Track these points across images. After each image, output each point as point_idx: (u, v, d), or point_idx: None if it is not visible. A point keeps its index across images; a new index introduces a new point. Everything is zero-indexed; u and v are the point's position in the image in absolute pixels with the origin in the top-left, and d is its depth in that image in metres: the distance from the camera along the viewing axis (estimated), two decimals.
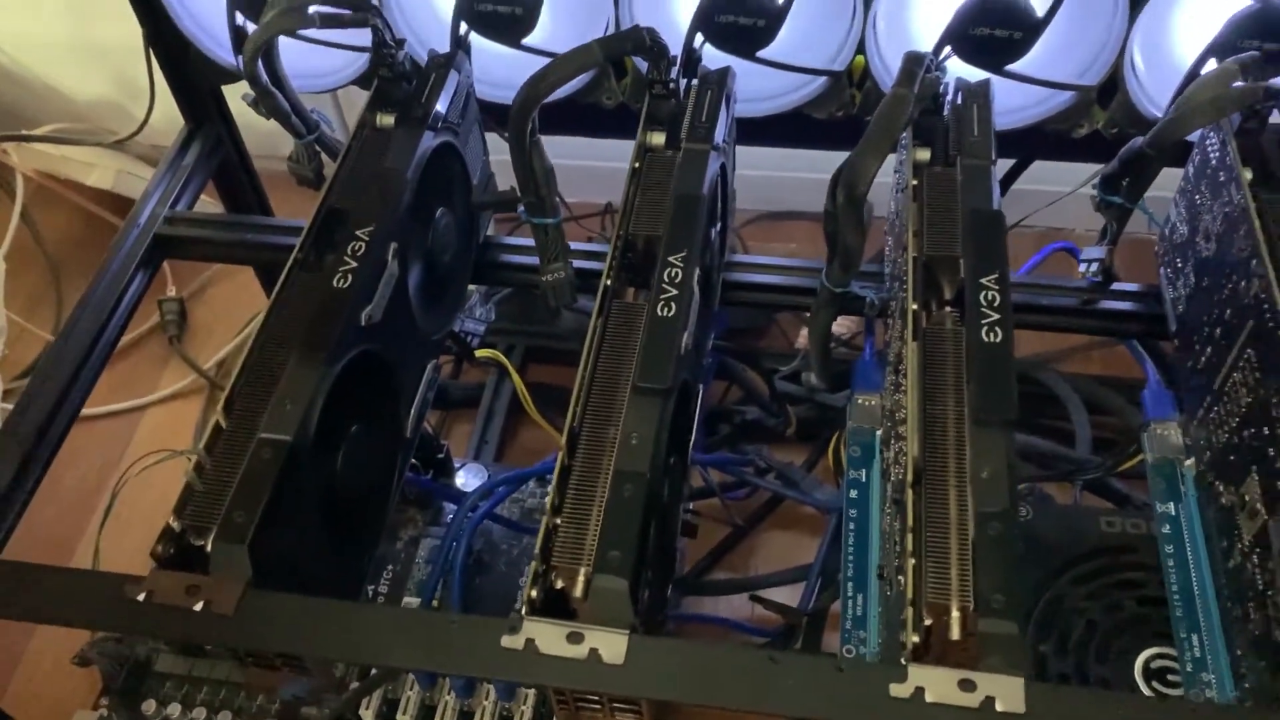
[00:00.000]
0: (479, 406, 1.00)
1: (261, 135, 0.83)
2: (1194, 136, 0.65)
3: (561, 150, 0.86)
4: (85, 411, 1.09)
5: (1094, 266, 0.64)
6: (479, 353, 0.76)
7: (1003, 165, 0.88)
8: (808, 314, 0.68)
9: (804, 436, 0.88)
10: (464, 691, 0.72)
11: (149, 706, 0.74)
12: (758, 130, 0.75)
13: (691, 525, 0.77)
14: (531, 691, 0.72)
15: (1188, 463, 0.61)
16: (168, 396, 1.14)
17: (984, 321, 0.51)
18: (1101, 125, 0.71)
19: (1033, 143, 0.79)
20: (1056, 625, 0.66)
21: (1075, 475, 0.77)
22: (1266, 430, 0.52)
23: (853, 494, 0.62)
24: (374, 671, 0.69)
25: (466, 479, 0.86)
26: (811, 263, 0.71)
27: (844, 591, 0.58)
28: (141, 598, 0.45)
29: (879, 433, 0.63)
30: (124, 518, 0.64)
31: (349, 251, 0.55)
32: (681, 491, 0.59)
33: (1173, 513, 0.60)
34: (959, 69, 0.68)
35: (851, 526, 0.60)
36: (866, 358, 0.67)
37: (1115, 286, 0.70)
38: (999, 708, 0.41)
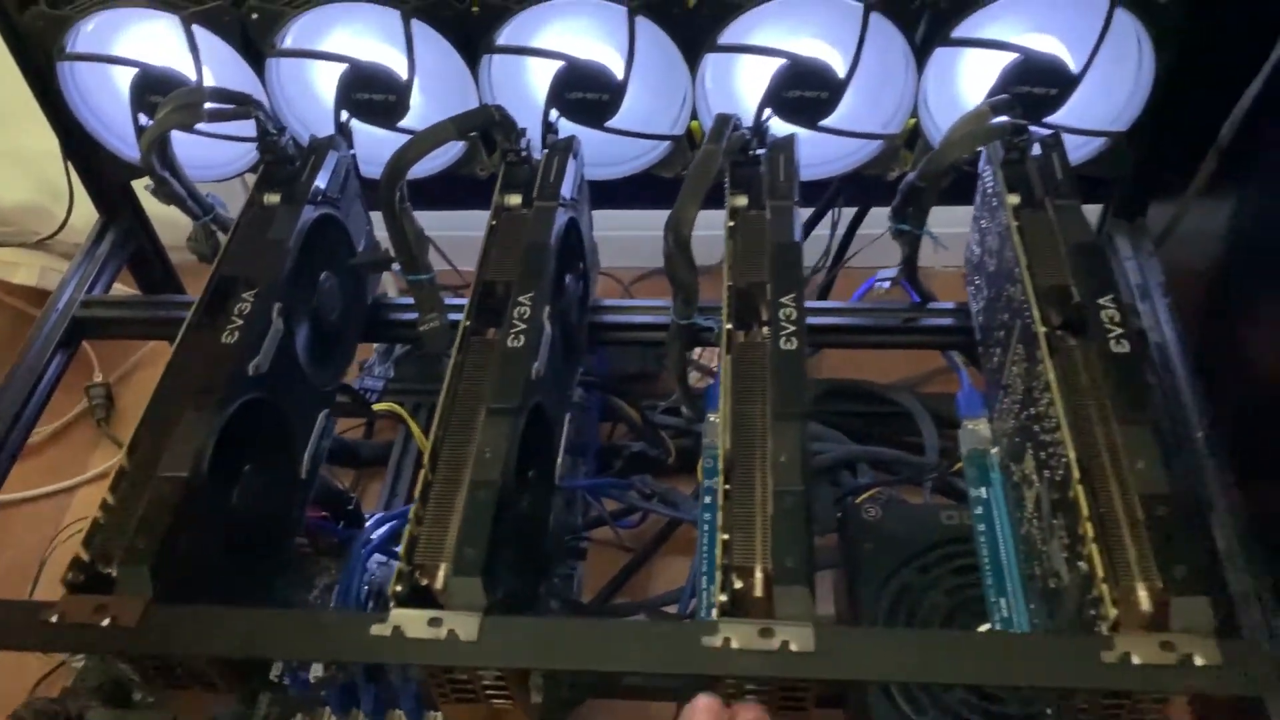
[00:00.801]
0: (388, 463, 1.07)
1: (183, 228, 0.90)
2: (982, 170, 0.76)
3: (454, 223, 0.95)
4: (19, 494, 1.16)
5: (886, 285, 0.74)
6: (377, 406, 0.83)
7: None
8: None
9: (686, 466, 0.95)
10: (376, 716, 0.77)
11: None
12: (616, 191, 0.84)
13: (582, 549, 0.84)
14: (439, 715, 0.78)
15: (994, 451, 0.70)
16: (97, 476, 1.19)
17: (782, 334, 0.59)
18: (910, 168, 0.81)
19: (870, 193, 0.90)
20: (904, 608, 0.74)
21: (918, 478, 0.86)
22: (1033, 410, 0.61)
23: (707, 499, 0.69)
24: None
25: None
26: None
27: (699, 585, 0.65)
28: (54, 619, 0.51)
29: None
30: (55, 588, 0.69)
31: (236, 312, 0.62)
32: (548, 504, 0.66)
33: (984, 496, 0.68)
34: (783, 128, 0.78)
35: (706, 529, 0.68)
36: (717, 381, 0.75)
37: (932, 305, 0.79)
38: (793, 648, 0.49)
